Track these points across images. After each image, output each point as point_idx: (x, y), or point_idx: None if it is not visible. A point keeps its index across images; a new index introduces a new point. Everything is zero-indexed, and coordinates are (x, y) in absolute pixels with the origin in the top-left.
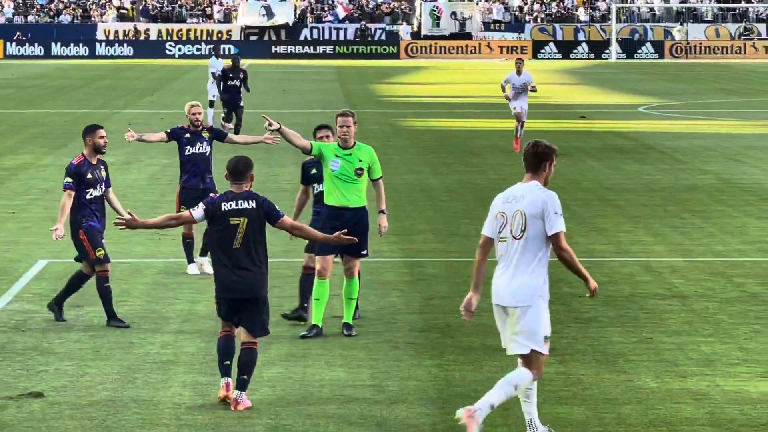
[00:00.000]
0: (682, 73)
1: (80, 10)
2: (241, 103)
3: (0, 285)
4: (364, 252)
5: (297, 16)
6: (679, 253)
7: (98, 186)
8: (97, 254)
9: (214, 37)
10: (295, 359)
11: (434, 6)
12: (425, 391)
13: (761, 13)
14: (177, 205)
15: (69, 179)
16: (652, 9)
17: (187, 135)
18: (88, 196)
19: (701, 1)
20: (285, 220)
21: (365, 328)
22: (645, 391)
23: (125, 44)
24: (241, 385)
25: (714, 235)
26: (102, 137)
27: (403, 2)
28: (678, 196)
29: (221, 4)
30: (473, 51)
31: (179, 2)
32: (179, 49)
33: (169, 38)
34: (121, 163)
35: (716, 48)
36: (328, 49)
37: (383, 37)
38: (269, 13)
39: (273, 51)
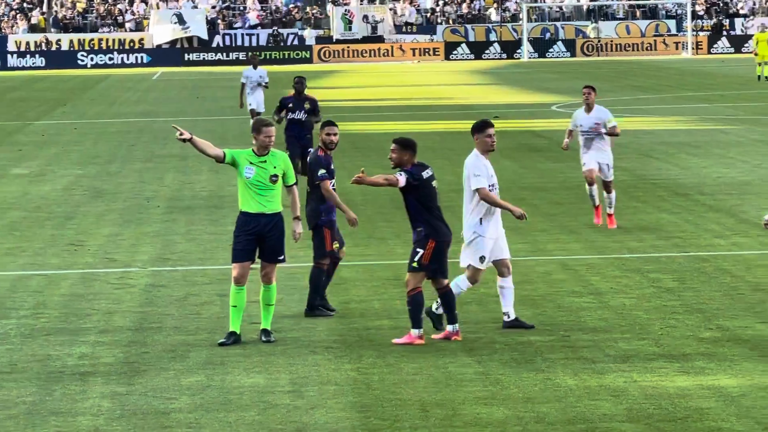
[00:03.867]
0: (594, 71)
1: None
2: (310, 147)
3: None
4: (281, 258)
5: (208, 22)
6: (594, 251)
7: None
8: (334, 246)
9: (126, 46)
10: (213, 366)
11: (346, 10)
12: (345, 395)
13: (671, 10)
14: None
15: (323, 171)
16: (561, 8)
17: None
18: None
19: None
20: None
21: (283, 333)
22: (563, 388)
23: (37, 55)
24: (455, 319)
25: (629, 231)
26: (329, 134)
27: (314, 7)
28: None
29: (133, 14)
30: (386, 54)
31: (91, 12)
32: (91, 59)
33: (81, 48)
34: (35, 174)
35: (627, 45)
36: (241, 56)
37: (296, 42)
38: (181, 21)
39: (186, 59)
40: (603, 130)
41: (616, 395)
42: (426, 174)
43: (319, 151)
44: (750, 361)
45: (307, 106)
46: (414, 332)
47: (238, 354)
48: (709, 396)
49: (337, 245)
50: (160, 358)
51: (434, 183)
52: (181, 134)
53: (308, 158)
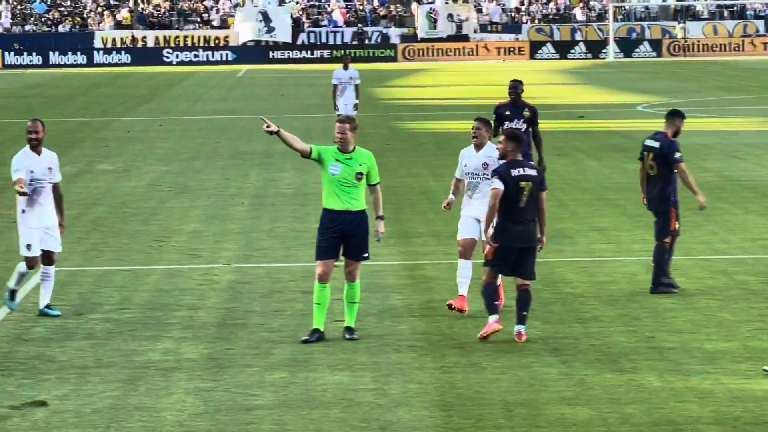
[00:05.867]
0: (680, 71)
1: (78, 19)
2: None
3: (2, 294)
4: (366, 255)
5: (293, 20)
6: (680, 252)
7: None
8: (677, 226)
9: (212, 44)
10: (297, 363)
11: (431, 8)
12: (428, 393)
13: (759, 10)
14: None
15: (679, 153)
16: (647, 8)
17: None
18: None
19: None
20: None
21: (367, 331)
22: (648, 390)
23: (123, 52)
24: (522, 320)
25: (715, 232)
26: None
27: (399, 6)
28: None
29: (218, 11)
30: (470, 53)
31: (177, 9)
32: (176, 56)
33: (166, 45)
34: (120, 170)
35: (714, 45)
36: (326, 54)
37: (380, 40)
38: (266, 19)
39: (270, 56)
40: None
41: (702, 397)
42: (516, 172)
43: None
44: None
45: (526, 113)
46: (490, 319)
47: (321, 351)
48: None
49: (678, 224)
50: (244, 354)
51: (523, 183)
52: (268, 126)
53: (651, 143)
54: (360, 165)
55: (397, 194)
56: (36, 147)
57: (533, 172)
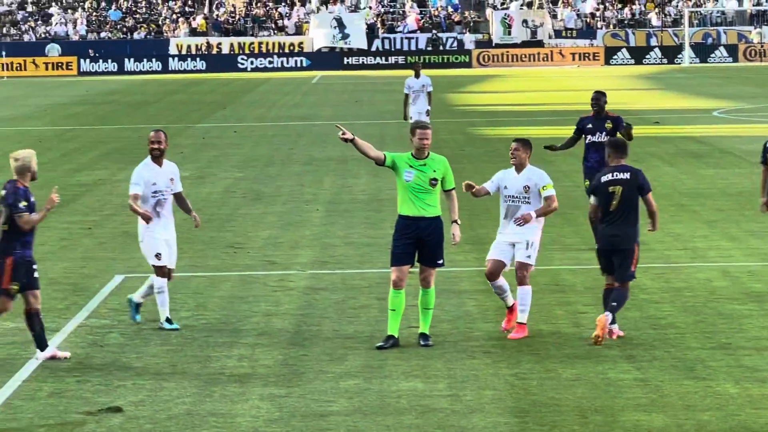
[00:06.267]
0: (756, 76)
1: (153, 26)
2: None
3: (77, 301)
4: (440, 261)
5: (367, 27)
6: (756, 257)
7: None
8: None
9: (286, 50)
10: (371, 370)
11: (505, 14)
12: (502, 400)
13: None
14: None
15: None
16: (723, 13)
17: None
18: None
19: None
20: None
21: (442, 337)
22: (725, 397)
23: (198, 58)
24: (611, 309)
25: None
26: None
27: (473, 11)
28: (754, 200)
29: (293, 18)
30: (545, 58)
31: (252, 16)
32: (251, 62)
33: (241, 52)
34: (195, 176)
35: None
36: (400, 60)
37: (455, 46)
38: (341, 25)
39: (345, 62)
40: None
41: None
42: (605, 178)
43: None
44: None
45: (608, 126)
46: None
47: (396, 357)
48: None
49: None
50: (319, 360)
51: (612, 188)
52: (343, 134)
53: None
54: (434, 171)
55: (472, 200)
56: (158, 158)
57: (625, 176)
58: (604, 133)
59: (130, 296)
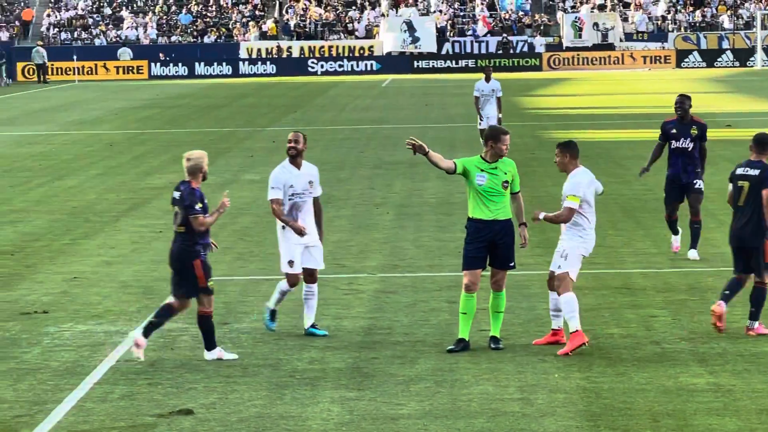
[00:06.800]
0: None
1: (223, 30)
2: (697, 183)
3: (148, 304)
4: (512, 264)
5: (437, 31)
6: None
7: None
8: None
9: (356, 54)
10: (442, 373)
11: (576, 17)
12: (574, 403)
13: None
14: None
15: None
16: None
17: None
18: None
19: None
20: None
21: (512, 341)
22: None
23: (268, 62)
24: (753, 316)
25: None
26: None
27: (544, 15)
28: None
29: (362, 21)
30: (616, 61)
31: (322, 19)
32: (321, 66)
33: (311, 55)
34: (265, 180)
35: None
36: (470, 63)
37: (525, 49)
38: (410, 29)
39: (415, 66)
40: None
41: None
42: (739, 171)
43: None
44: None
45: (693, 132)
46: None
47: (466, 361)
48: None
49: None
50: (389, 363)
51: (741, 182)
52: (420, 147)
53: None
54: (505, 173)
55: (543, 203)
56: (295, 159)
57: (754, 172)
58: (688, 139)
59: (266, 304)
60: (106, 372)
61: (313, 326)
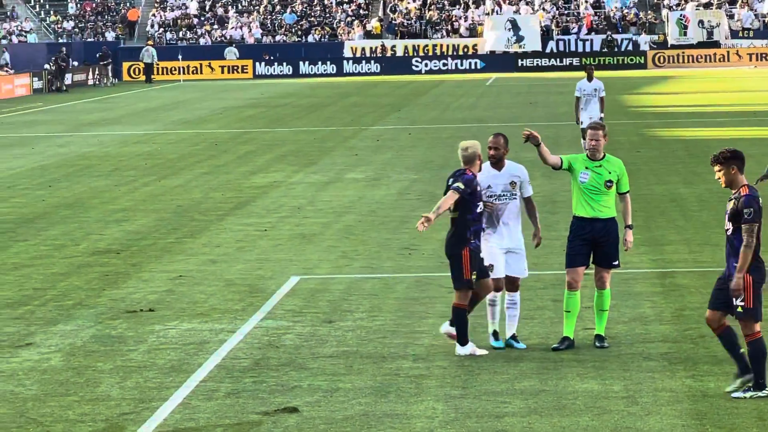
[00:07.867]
0: None
1: (328, 29)
2: None
3: (253, 302)
4: (616, 263)
5: (542, 29)
6: None
7: None
8: None
9: (460, 52)
10: (547, 371)
11: (681, 15)
12: (679, 402)
13: None
14: None
15: None
16: None
17: None
18: None
19: None
20: None
21: (617, 339)
22: None
23: (372, 61)
24: None
25: None
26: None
27: (649, 12)
28: None
29: (467, 19)
30: (722, 59)
31: (425, 18)
32: (425, 65)
33: (415, 54)
34: (370, 179)
35: None
36: (575, 61)
37: (630, 47)
38: (515, 27)
39: (519, 64)
40: None
41: None
42: None
43: None
44: None
45: None
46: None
47: (571, 359)
48: None
49: None
50: (494, 361)
51: None
52: (534, 138)
53: None
54: (609, 173)
55: (648, 202)
56: (496, 163)
57: None
58: None
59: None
60: (211, 370)
61: (513, 337)
